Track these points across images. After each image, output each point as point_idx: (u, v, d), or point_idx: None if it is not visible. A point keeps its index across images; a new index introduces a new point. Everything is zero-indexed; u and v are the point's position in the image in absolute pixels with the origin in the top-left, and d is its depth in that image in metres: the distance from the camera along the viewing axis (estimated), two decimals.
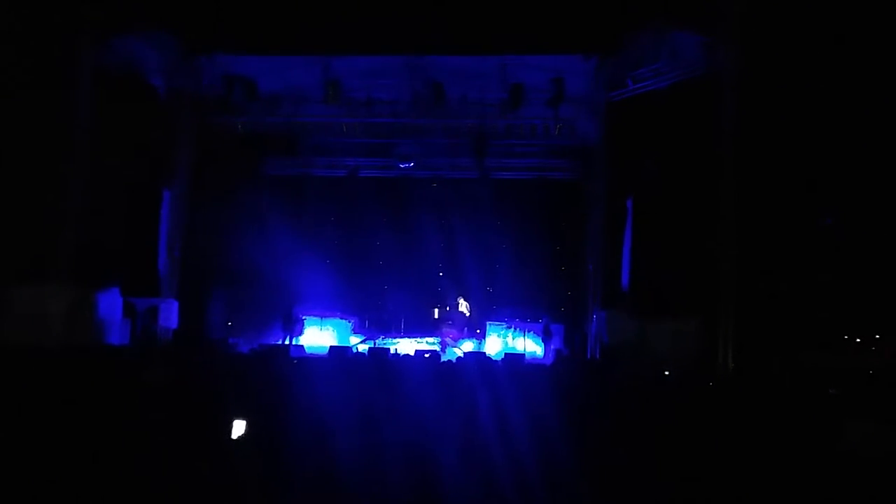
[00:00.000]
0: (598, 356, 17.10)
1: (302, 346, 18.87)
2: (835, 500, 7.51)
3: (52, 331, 15.58)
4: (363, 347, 19.44)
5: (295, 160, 21.38)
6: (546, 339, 19.24)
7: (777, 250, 15.74)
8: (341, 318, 20.80)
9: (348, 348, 18.72)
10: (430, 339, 20.22)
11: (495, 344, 20.19)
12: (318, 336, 20.34)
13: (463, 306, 20.90)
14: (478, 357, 17.63)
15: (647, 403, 11.25)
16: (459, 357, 18.37)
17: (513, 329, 20.30)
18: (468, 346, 20.11)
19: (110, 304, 17.00)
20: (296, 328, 19.60)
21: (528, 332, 20.11)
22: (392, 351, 17.98)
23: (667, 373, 14.61)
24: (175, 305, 18.46)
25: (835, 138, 15.21)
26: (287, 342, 19.08)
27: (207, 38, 17.45)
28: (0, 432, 8.29)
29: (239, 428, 10.53)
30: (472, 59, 17.66)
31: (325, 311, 20.54)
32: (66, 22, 16.08)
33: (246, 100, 18.81)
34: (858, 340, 15.72)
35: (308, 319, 20.25)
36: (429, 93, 18.46)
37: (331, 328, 20.65)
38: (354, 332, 20.98)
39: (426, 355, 17.05)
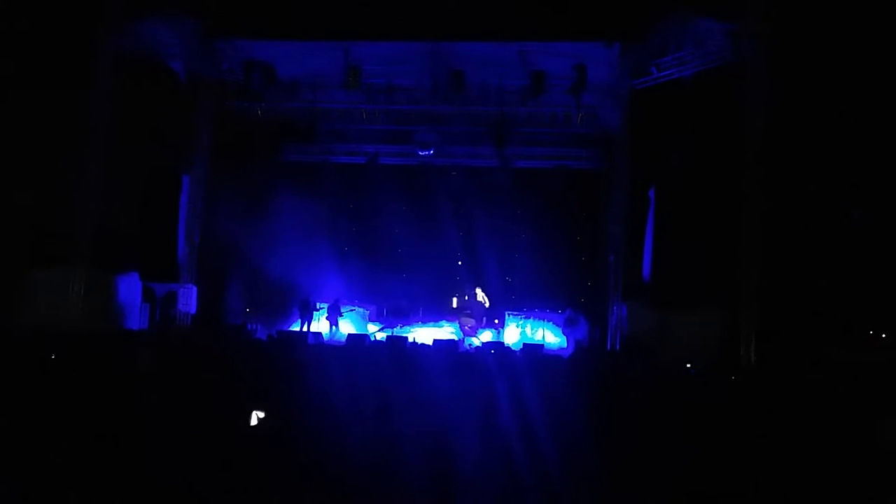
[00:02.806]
0: (618, 348, 16.95)
1: (320, 334, 18.84)
2: (862, 495, 7.39)
3: (71, 314, 15.69)
4: (381, 335, 19.39)
5: (314, 146, 21.31)
6: (569, 329, 19.08)
7: (802, 242, 15.55)
8: (359, 306, 20.72)
9: (366, 336, 18.68)
10: (449, 329, 20.14)
11: (514, 334, 20.08)
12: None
13: (481, 296, 20.77)
14: (496, 347, 17.53)
15: (667, 396, 11.14)
16: (478, 346, 18.29)
17: (532, 319, 20.19)
18: (487, 335, 20.00)
19: (130, 288, 17.10)
20: (334, 317, 19.63)
21: (547, 322, 19.99)
22: (410, 339, 17.92)
23: (688, 366, 14.47)
24: (194, 290, 18.51)
25: (863, 129, 14.98)
26: (305, 329, 19.08)
27: (227, 23, 17.38)
28: (19, 413, 8.33)
29: (256, 417, 10.64)
30: (492, 45, 17.41)
31: (343, 298, 20.47)
32: (87, 6, 16.10)
33: (265, 85, 18.76)
34: (884, 336, 15.49)
35: (323, 307, 20.20)
36: (449, 80, 18.28)
37: (348, 316, 20.60)
38: (372, 320, 20.91)
39: (444, 344, 16.99)
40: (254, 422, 11.14)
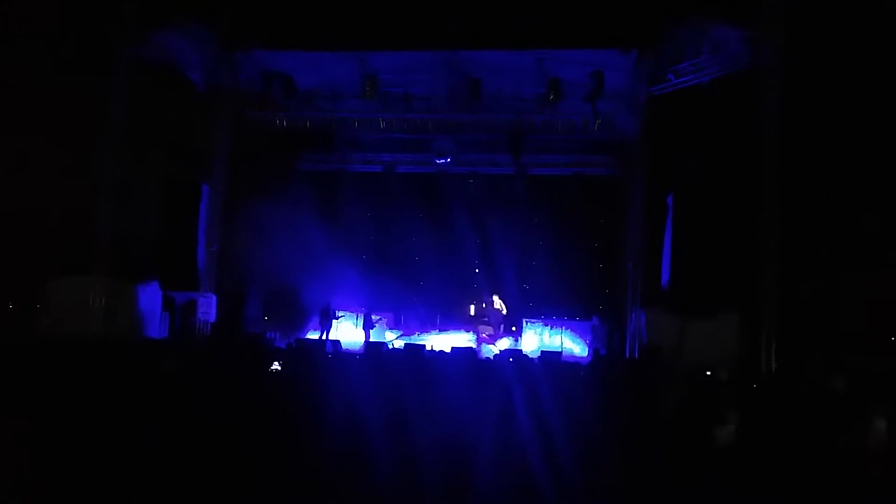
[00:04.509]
0: (636, 355, 16.88)
1: (338, 342, 18.91)
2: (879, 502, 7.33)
3: (91, 323, 15.85)
4: (399, 343, 19.43)
5: (332, 155, 21.49)
6: (595, 337, 19.06)
7: (821, 249, 15.42)
8: (377, 314, 20.75)
9: (384, 344, 18.72)
10: (468, 337, 20.14)
11: (532, 341, 20.05)
12: (353, 332, 20.38)
13: (498, 303, 20.77)
14: (514, 354, 17.51)
15: (687, 404, 11.08)
16: (495, 354, 18.27)
17: (549, 327, 20.15)
18: (504, 343, 19.99)
19: (150, 297, 17.25)
20: (367, 328, 19.78)
21: (566, 329, 19.95)
22: (428, 347, 17.93)
23: (707, 373, 14.37)
24: (213, 299, 18.65)
25: (881, 134, 14.86)
26: (324, 337, 19.15)
27: (246, 34, 17.57)
28: (39, 422, 8.41)
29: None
30: (509, 53, 17.48)
31: (361, 306, 20.55)
32: (107, 17, 16.30)
33: (283, 95, 18.91)
34: None
35: (345, 315, 20.29)
36: (465, 88, 18.35)
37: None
38: (390, 328, 20.95)
39: (462, 352, 16.99)
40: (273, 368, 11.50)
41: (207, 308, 18.46)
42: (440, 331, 20.59)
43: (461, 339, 20.04)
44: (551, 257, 21.09)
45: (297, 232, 19.46)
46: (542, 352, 18.11)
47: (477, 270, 21.58)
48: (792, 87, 15.07)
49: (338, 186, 21.86)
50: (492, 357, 17.84)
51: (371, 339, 19.45)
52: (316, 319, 19.77)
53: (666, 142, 17.23)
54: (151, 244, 17.78)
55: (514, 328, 20.73)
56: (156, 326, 17.27)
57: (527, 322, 20.45)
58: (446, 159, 20.71)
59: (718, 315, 15.59)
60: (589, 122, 19.09)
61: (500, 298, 20.84)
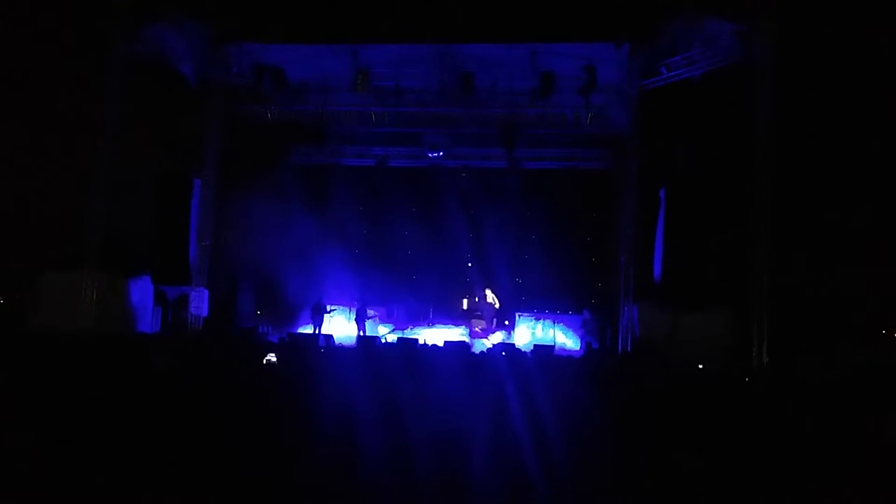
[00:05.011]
0: (628, 349, 16.91)
1: (331, 336, 18.89)
2: (873, 494, 7.37)
3: (83, 316, 15.79)
4: (392, 337, 19.42)
5: (324, 149, 21.42)
6: (585, 332, 19.08)
7: (812, 243, 15.49)
8: (371, 309, 20.73)
9: (377, 338, 18.70)
10: (460, 330, 20.14)
11: (524, 335, 20.06)
12: (346, 326, 20.35)
13: (491, 297, 20.78)
14: (507, 348, 17.53)
15: (679, 398, 11.12)
16: (488, 348, 18.29)
17: (542, 320, 20.16)
18: (497, 336, 20.00)
19: (142, 291, 17.20)
20: (362, 321, 19.77)
21: (558, 323, 19.97)
22: (420, 341, 17.92)
23: (699, 366, 14.42)
24: (205, 294, 18.59)
25: (872, 129, 14.92)
26: (317, 331, 19.12)
27: (237, 27, 17.50)
28: (31, 415, 8.39)
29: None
30: (501, 47, 17.44)
31: (353, 300, 20.52)
32: (99, 11, 16.22)
33: (275, 89, 18.82)
34: None
35: (336, 309, 20.26)
36: (458, 81, 18.31)
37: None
38: (383, 322, 20.95)
39: (455, 346, 17.00)
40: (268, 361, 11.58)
41: (199, 302, 18.41)
42: (432, 325, 20.56)
43: (454, 333, 20.02)
44: (544, 251, 21.07)
45: (289, 226, 19.41)
46: (535, 345, 18.13)
47: (469, 264, 21.57)
48: (783, 81, 15.10)
49: (329, 180, 21.76)
50: (484, 351, 17.88)
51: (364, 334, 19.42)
52: (308, 314, 19.73)
53: (658, 135, 17.25)
54: (143, 238, 17.70)
55: (506, 322, 20.73)
56: (147, 321, 17.21)
57: (519, 316, 20.44)
58: (439, 153, 20.67)
59: (710, 309, 15.62)
60: (581, 115, 19.08)
61: (492, 292, 20.84)
